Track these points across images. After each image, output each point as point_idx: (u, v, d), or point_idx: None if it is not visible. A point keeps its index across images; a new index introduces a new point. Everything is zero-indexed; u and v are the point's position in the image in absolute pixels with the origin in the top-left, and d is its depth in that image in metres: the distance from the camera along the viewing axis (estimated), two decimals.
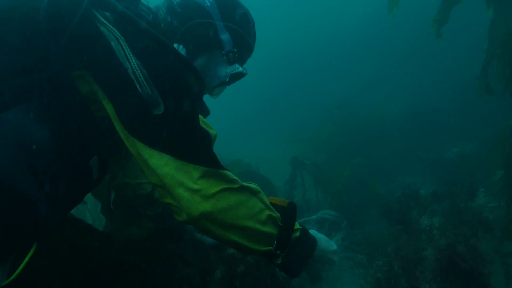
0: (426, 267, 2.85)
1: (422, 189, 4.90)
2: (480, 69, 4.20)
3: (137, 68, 1.32)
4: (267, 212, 1.48)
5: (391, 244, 3.09)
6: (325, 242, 1.82)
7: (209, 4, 1.72)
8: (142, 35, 1.38)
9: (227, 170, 1.43)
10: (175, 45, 1.68)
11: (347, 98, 9.36)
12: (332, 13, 19.56)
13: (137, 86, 1.31)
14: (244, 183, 1.47)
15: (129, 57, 1.32)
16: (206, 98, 1.98)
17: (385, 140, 7.43)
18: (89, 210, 4.09)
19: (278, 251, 1.51)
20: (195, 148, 1.38)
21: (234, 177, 1.44)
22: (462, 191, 3.61)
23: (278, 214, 1.54)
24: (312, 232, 1.78)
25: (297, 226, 1.60)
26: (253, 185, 1.50)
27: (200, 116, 1.48)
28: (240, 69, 1.78)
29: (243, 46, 1.82)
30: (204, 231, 1.40)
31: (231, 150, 10.13)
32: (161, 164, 1.33)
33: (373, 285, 2.97)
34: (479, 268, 2.85)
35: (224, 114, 17.64)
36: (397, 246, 2.92)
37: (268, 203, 1.52)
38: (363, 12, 15.63)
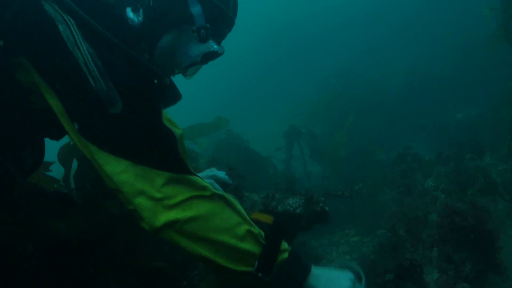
0: (433, 230, 2.67)
1: (427, 156, 4.73)
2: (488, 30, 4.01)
3: (90, 59, 1.12)
4: (246, 227, 1.26)
5: (394, 209, 2.92)
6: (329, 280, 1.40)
7: None
8: None
9: (197, 175, 1.25)
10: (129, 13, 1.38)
11: (346, 68, 9.08)
12: None
13: (90, 80, 1.12)
14: (218, 192, 1.27)
15: (80, 44, 1.12)
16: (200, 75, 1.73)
17: (386, 108, 7.22)
18: None
19: (260, 274, 1.26)
20: (158, 151, 1.20)
21: (205, 183, 1.25)
22: (470, 151, 3.43)
23: (261, 231, 1.31)
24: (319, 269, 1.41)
25: (285, 246, 1.33)
26: (230, 196, 1.30)
27: (164, 113, 1.28)
28: (215, 47, 1.45)
29: (221, 19, 1.48)
30: (170, 242, 1.20)
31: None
32: (118, 171, 1.16)
33: (377, 251, 2.81)
34: (488, 228, 2.68)
35: (220, 89, 17.38)
36: (401, 210, 2.75)
37: (247, 217, 1.30)
38: None
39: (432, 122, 6.69)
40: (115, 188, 1.17)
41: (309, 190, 2.12)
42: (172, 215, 1.16)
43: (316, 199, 2.04)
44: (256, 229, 1.28)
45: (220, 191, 1.36)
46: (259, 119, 11.94)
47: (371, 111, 7.25)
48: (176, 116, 1.93)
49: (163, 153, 1.20)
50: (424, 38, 9.65)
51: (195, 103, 14.72)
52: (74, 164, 2.37)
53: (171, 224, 1.16)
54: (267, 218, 1.41)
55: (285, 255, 1.31)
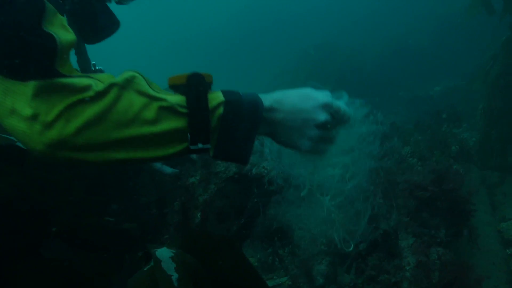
0: (409, 196, 2.67)
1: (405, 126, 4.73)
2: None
3: None
4: (155, 105, 1.02)
5: (371, 174, 2.91)
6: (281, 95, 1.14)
7: None
8: None
9: (75, 76, 1.00)
10: None
11: (325, 39, 8.99)
12: None
13: None
14: (105, 84, 1.00)
15: None
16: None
17: (363, 80, 7.19)
18: None
19: (200, 145, 1.05)
20: (27, 58, 0.97)
21: (87, 81, 0.99)
22: (447, 120, 3.43)
23: (179, 97, 1.05)
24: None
25: (217, 99, 1.05)
26: (123, 76, 1.03)
27: (59, 18, 1.06)
28: None
29: None
30: (71, 161, 1.01)
31: None
32: None
33: (353, 216, 2.81)
34: (462, 194, 2.70)
35: (199, 56, 17.05)
36: (377, 176, 2.73)
37: (152, 92, 1.04)
38: None
39: (410, 94, 6.70)
40: None
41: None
42: (54, 133, 0.95)
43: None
44: (168, 102, 1.03)
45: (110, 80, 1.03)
46: (240, 88, 11.84)
47: (349, 82, 7.22)
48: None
49: (31, 59, 0.98)
50: (402, 9, 9.58)
51: (172, 69, 14.53)
52: None
53: (59, 144, 0.96)
54: (180, 79, 1.09)
55: (220, 110, 1.04)
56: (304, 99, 1.13)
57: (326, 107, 1.11)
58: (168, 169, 2.00)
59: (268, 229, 2.26)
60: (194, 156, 2.15)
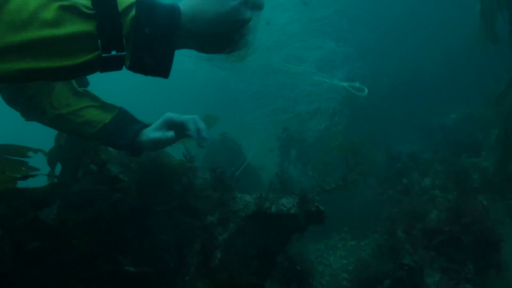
0: (434, 231, 2.59)
1: (422, 155, 4.66)
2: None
3: None
4: (55, 5, 0.88)
5: (392, 209, 2.84)
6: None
7: None
8: None
9: None
10: None
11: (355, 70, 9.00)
12: None
13: None
14: None
15: None
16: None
17: (378, 111, 7.15)
18: None
19: (114, 52, 0.92)
20: None
21: None
22: (466, 149, 3.36)
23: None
24: None
25: (127, 2, 0.94)
26: None
27: None
28: None
29: None
30: None
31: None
32: None
33: (375, 254, 2.72)
34: (488, 227, 2.61)
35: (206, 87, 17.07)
36: (399, 210, 2.66)
37: None
38: None
39: (424, 122, 6.65)
40: None
41: (302, 189, 2.03)
42: None
43: (310, 199, 1.95)
44: (70, 1, 0.90)
45: None
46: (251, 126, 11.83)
47: (362, 112, 7.19)
48: None
49: None
50: (414, 37, 9.64)
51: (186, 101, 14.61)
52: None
53: None
54: None
55: (132, 12, 0.94)
56: (223, 1, 1.03)
57: (246, 2, 1.06)
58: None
59: (288, 270, 2.20)
60: (210, 193, 2.13)
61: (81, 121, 1.65)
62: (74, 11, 0.90)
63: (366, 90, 1.28)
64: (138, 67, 0.97)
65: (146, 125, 1.69)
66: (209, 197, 2.09)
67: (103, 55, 0.92)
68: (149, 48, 0.96)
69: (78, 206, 1.75)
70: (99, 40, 0.90)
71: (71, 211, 1.65)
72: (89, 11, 0.90)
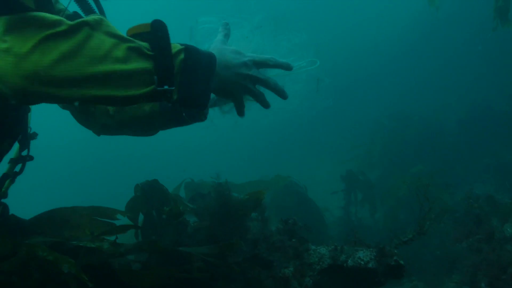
0: None
1: (497, 197, 4.39)
2: None
3: None
4: (124, 45, 1.08)
5: (471, 258, 2.67)
6: (233, 53, 1.34)
7: None
8: None
9: (44, 12, 1.04)
10: None
11: (398, 107, 8.85)
12: (375, 20, 18.96)
13: None
14: (76, 21, 1.05)
15: None
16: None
17: (445, 148, 6.89)
18: None
19: (166, 86, 1.12)
20: None
21: (56, 17, 1.04)
22: None
23: (144, 43, 1.13)
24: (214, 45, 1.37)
25: (177, 47, 1.17)
26: (92, 17, 1.09)
27: None
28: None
29: None
30: (47, 98, 1.04)
31: (273, 168, 9.84)
32: None
33: None
34: None
35: (266, 128, 17.15)
36: (482, 260, 2.50)
37: (121, 34, 1.12)
38: (408, 16, 14.73)
39: (497, 160, 6.29)
40: None
41: (379, 242, 1.97)
42: (30, 64, 0.96)
43: (389, 252, 1.89)
44: (136, 43, 1.11)
45: (81, 17, 1.14)
46: (309, 160, 11.73)
47: (428, 151, 6.95)
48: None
49: None
50: (481, 71, 9.27)
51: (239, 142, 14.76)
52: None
53: (34, 76, 0.96)
54: (144, 27, 1.18)
55: (181, 56, 1.16)
56: (235, 56, 1.32)
57: (249, 62, 1.32)
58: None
59: None
60: (283, 244, 2.11)
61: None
62: (138, 51, 1.10)
63: (318, 62, 1.48)
64: (183, 100, 1.17)
65: None
66: (283, 249, 2.08)
67: (158, 88, 1.11)
68: (193, 84, 1.17)
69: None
70: (155, 76, 1.10)
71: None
72: (149, 52, 1.11)
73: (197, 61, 1.18)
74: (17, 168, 1.77)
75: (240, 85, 1.33)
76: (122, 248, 1.57)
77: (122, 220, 2.02)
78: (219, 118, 1.62)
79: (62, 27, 1.01)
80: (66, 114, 1.85)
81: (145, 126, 1.79)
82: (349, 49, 17.60)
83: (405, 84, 11.85)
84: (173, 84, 1.13)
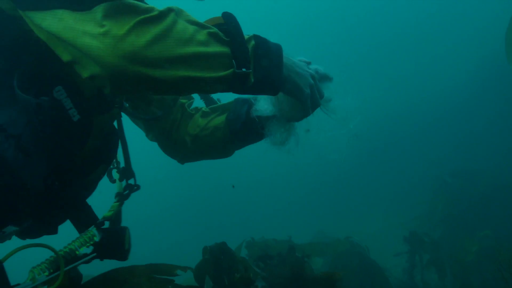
0: None
1: None
2: None
3: None
4: (204, 31, 1.20)
5: None
6: (300, 61, 1.49)
7: None
8: None
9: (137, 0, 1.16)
10: None
11: (463, 165, 8.47)
12: (436, 66, 18.53)
13: None
14: (164, 8, 1.17)
15: None
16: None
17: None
18: None
19: (243, 69, 1.22)
20: None
21: (147, 4, 1.16)
22: None
23: (218, 30, 1.25)
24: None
25: (247, 36, 1.30)
26: (174, 6, 1.21)
27: None
28: None
29: None
30: (140, 80, 1.10)
31: (325, 224, 9.60)
32: (55, 21, 1.10)
33: None
34: None
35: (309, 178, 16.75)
36: None
37: (199, 21, 1.24)
38: (473, 62, 14.05)
39: None
40: (68, 55, 1.12)
41: None
42: (127, 45, 1.05)
43: None
44: (214, 29, 1.23)
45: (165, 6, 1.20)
46: (368, 219, 11.36)
47: (495, 212, 6.57)
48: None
49: None
50: None
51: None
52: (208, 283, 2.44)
53: (131, 55, 1.06)
54: (217, 19, 1.30)
55: (252, 42, 1.28)
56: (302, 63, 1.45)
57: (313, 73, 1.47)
58: None
59: None
60: None
61: (211, 131, 1.84)
62: (217, 37, 1.22)
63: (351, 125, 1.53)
64: (259, 84, 1.27)
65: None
66: None
67: (236, 70, 1.21)
68: (266, 68, 1.27)
69: None
70: (233, 60, 1.21)
71: None
72: (225, 39, 1.23)
73: (267, 48, 1.30)
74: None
75: (305, 79, 1.41)
76: None
77: (182, 276, 2.03)
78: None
79: (154, 13, 1.13)
80: None
81: (221, 152, 1.89)
82: (407, 97, 17.27)
83: (470, 137, 11.20)
84: (250, 67, 1.24)
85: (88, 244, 1.47)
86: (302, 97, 1.40)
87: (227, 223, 13.84)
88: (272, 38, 1.37)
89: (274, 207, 14.90)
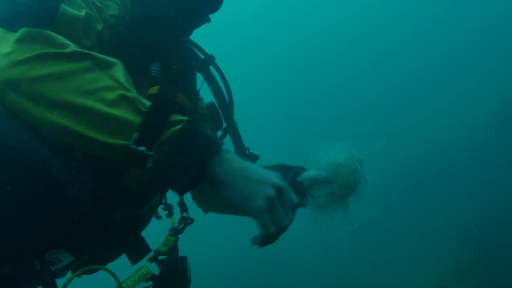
0: None
1: None
2: None
3: None
4: (119, 92, 1.02)
5: None
6: (253, 168, 1.07)
7: None
8: None
9: (59, 34, 1.06)
10: None
11: (490, 214, 8.04)
12: (454, 109, 18.22)
13: None
14: (88, 51, 1.05)
15: None
16: None
17: None
18: None
19: (142, 148, 0.98)
20: (24, 14, 1.06)
21: (67, 41, 1.06)
22: None
23: (146, 101, 1.04)
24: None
25: (180, 118, 1.04)
26: (109, 58, 1.08)
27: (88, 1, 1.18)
28: None
29: None
30: (15, 107, 1.03)
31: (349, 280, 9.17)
32: None
33: None
34: None
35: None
36: None
37: (123, 81, 1.04)
38: (493, 104, 13.83)
39: None
40: None
41: None
42: (16, 72, 0.99)
43: None
44: (133, 94, 1.02)
45: (94, 53, 1.07)
46: (393, 273, 10.83)
47: None
48: None
49: (23, 7, 1.06)
50: None
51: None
52: None
53: (14, 84, 0.99)
54: (154, 89, 1.09)
55: (178, 126, 1.01)
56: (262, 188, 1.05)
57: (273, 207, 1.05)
58: None
59: None
60: None
61: None
62: (131, 103, 1.03)
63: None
64: (158, 170, 1.01)
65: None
66: None
67: (131, 146, 0.99)
68: (178, 160, 1.00)
69: None
70: (137, 133, 1.00)
71: None
72: (143, 109, 1.02)
73: (194, 139, 1.02)
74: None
75: (260, 188, 1.05)
76: None
77: None
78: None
79: (67, 51, 1.04)
80: None
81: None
82: (426, 142, 16.88)
83: (496, 183, 10.69)
84: (151, 149, 1.00)
85: (145, 279, 1.47)
86: (248, 209, 1.05)
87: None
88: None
89: (296, 262, 14.46)
